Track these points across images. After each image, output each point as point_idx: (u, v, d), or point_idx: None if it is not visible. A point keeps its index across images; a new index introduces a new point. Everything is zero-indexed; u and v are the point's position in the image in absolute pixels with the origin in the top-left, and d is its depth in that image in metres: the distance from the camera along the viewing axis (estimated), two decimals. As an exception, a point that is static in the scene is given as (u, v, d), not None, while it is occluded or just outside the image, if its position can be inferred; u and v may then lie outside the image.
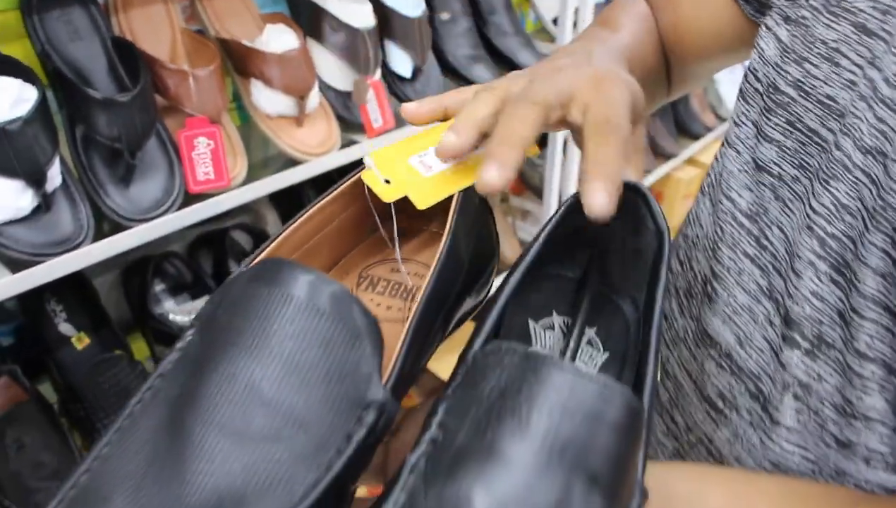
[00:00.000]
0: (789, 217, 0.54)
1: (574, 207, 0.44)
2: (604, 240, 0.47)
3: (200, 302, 1.20)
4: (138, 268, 1.24)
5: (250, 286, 0.37)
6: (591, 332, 0.48)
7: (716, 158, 0.63)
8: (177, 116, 1.03)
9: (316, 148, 1.13)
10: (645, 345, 0.39)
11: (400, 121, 1.27)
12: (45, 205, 0.89)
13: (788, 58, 0.54)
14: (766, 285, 0.55)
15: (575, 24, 1.59)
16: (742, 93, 0.60)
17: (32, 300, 1.15)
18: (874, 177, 0.47)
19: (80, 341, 1.15)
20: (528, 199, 1.95)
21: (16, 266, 0.89)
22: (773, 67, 0.55)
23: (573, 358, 0.47)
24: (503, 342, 0.34)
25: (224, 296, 0.38)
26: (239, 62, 1.12)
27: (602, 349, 0.48)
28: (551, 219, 0.44)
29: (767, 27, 0.57)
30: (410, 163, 0.43)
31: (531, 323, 0.48)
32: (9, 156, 0.84)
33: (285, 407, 0.34)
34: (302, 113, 1.13)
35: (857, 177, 0.48)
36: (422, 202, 0.41)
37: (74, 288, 1.17)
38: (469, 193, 0.45)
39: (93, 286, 1.19)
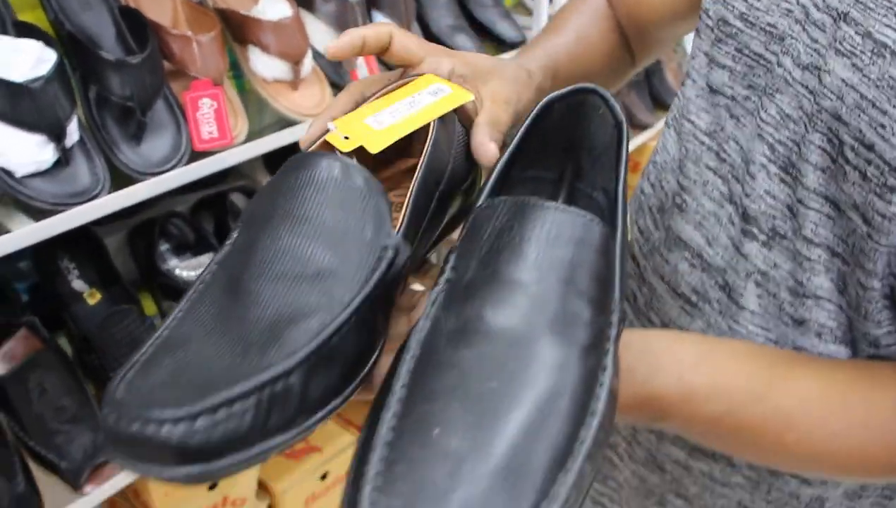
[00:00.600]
0: (742, 130, 0.61)
1: (542, 114, 0.52)
2: (574, 141, 0.55)
3: (204, 258, 1.28)
4: (144, 229, 1.31)
5: (277, 179, 0.45)
6: None
7: (677, 95, 0.71)
8: (182, 80, 1.11)
9: (310, 109, 1.21)
10: (615, 194, 0.48)
11: (388, 86, 1.35)
12: (64, 159, 0.96)
13: None
14: (727, 191, 0.63)
15: (552, 0, 1.68)
16: (697, 30, 0.68)
17: (46, 258, 1.21)
18: (811, 87, 0.54)
19: (93, 296, 1.22)
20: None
21: (38, 215, 0.96)
22: (721, 4, 0.63)
23: None
24: (497, 197, 0.42)
25: (258, 197, 0.46)
26: (237, 30, 1.19)
27: None
28: (524, 122, 0.52)
29: None
30: (366, 122, 0.52)
31: None
32: (32, 112, 0.91)
33: (320, 255, 0.42)
34: (297, 77, 1.20)
35: (796, 90, 0.56)
36: (374, 147, 0.49)
37: (86, 246, 1.24)
38: (446, 117, 0.53)
39: (103, 244, 1.26)
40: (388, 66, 1.37)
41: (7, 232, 0.95)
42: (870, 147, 0.51)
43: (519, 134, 0.52)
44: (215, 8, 1.21)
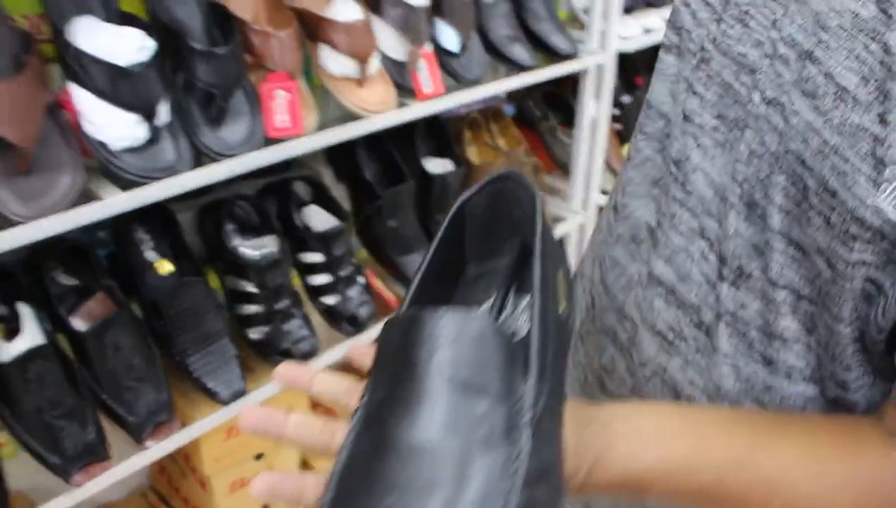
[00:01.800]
0: (712, 163, 0.59)
1: (460, 216, 0.52)
2: (508, 226, 0.53)
3: (267, 239, 1.37)
4: (213, 209, 1.41)
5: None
6: (522, 298, 0.53)
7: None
8: (259, 71, 1.20)
9: (375, 106, 1.30)
10: (532, 273, 0.46)
11: (449, 89, 1.44)
12: (154, 137, 1.06)
13: (712, 17, 0.60)
14: (697, 226, 0.61)
15: (604, 15, 1.75)
16: (680, 52, 0.64)
17: (123, 230, 1.32)
18: (778, 127, 0.53)
19: (163, 267, 1.31)
20: (557, 177, 2.10)
21: (126, 186, 1.06)
22: (700, 26, 0.61)
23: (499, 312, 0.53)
24: (397, 313, 0.44)
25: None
26: (311, 28, 1.28)
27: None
28: (440, 229, 0.52)
29: None
30: None
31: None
32: (130, 94, 1.01)
33: None
34: (363, 75, 1.29)
35: (762, 126, 0.54)
36: None
37: (160, 220, 1.34)
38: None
39: (176, 220, 1.36)
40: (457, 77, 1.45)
41: (98, 199, 1.05)
42: (832, 193, 0.50)
43: (435, 242, 0.51)
44: (292, 7, 1.31)
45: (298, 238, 1.43)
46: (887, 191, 0.47)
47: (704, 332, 0.61)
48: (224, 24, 1.17)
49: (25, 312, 1.16)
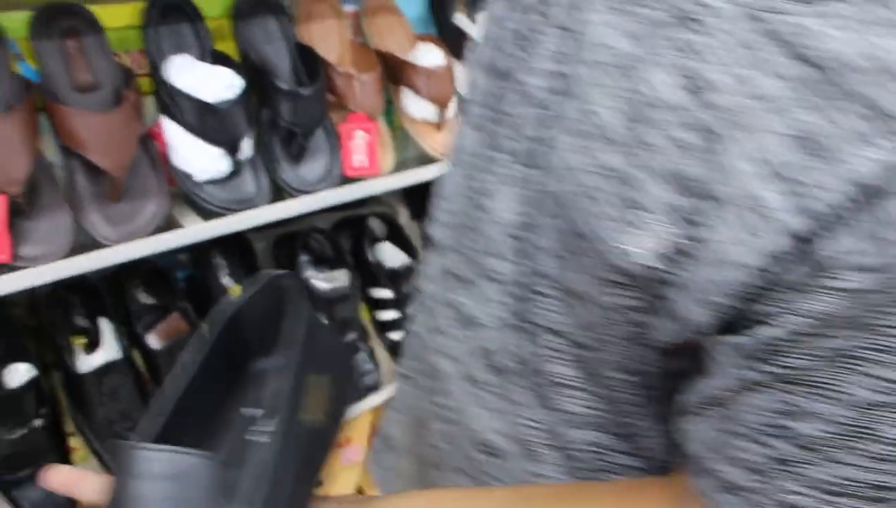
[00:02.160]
0: (497, 202, 0.56)
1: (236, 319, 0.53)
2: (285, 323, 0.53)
3: (339, 273, 1.41)
4: (288, 240, 1.45)
5: None
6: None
7: None
8: (341, 111, 1.24)
9: (451, 150, 1.33)
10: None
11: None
12: (236, 170, 1.11)
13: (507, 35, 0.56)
14: (485, 267, 0.59)
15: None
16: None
17: (202, 255, 1.37)
18: (541, 164, 0.50)
19: (236, 292, 1.36)
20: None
21: (207, 215, 1.11)
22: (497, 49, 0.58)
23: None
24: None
25: None
26: (394, 72, 1.32)
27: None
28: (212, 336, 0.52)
29: None
30: None
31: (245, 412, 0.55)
32: (217, 129, 1.07)
33: None
34: (442, 120, 1.32)
35: (536, 163, 0.51)
36: None
37: (237, 248, 1.40)
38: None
39: (253, 248, 1.41)
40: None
41: (180, 227, 1.10)
42: (587, 237, 0.47)
43: (205, 350, 0.51)
44: (377, 50, 1.35)
45: (370, 273, 1.47)
46: (637, 236, 0.44)
47: (503, 379, 0.59)
48: (310, 65, 1.22)
49: (106, 327, 1.22)
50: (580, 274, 0.49)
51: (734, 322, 0.43)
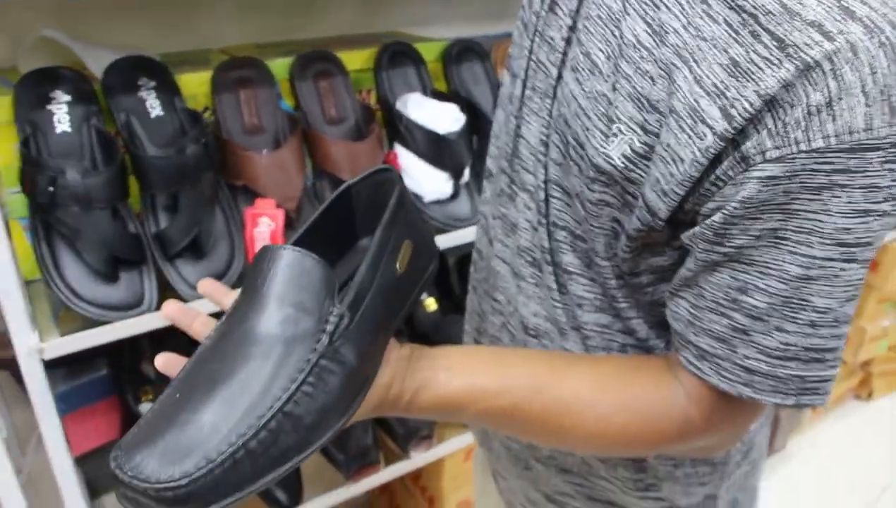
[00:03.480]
0: (528, 127, 0.71)
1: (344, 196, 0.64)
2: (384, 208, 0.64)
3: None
4: (466, 259, 1.62)
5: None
6: None
7: None
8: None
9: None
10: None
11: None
12: (455, 192, 1.28)
13: (541, 4, 0.71)
14: (520, 180, 0.74)
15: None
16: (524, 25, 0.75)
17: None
18: (555, 95, 0.66)
19: (430, 305, 1.53)
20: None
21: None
22: (532, 12, 0.73)
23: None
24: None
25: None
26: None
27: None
28: (326, 201, 0.64)
29: None
30: None
31: None
32: (446, 156, 1.24)
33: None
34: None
35: (544, 103, 0.68)
36: None
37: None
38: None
39: (447, 264, 1.57)
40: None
41: (406, 242, 1.26)
42: (581, 146, 0.62)
43: (319, 210, 0.63)
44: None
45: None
46: (614, 143, 0.59)
47: (538, 270, 0.73)
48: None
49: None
50: (575, 176, 0.64)
51: (692, 215, 0.58)
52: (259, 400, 0.51)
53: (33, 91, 1.01)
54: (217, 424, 0.49)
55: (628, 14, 0.59)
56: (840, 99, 0.49)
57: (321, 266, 0.55)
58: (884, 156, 0.50)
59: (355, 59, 1.32)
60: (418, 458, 1.45)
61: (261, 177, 1.11)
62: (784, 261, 0.54)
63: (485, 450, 0.93)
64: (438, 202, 1.27)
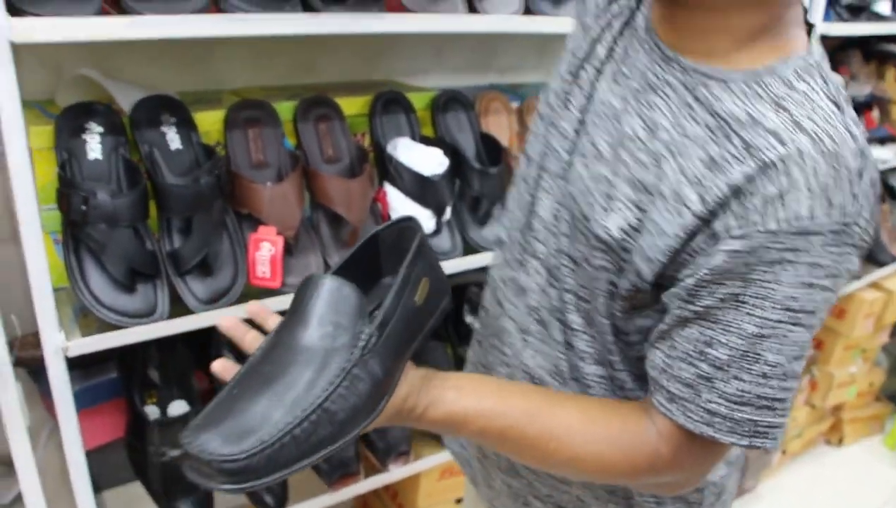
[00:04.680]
0: (542, 203, 0.82)
1: (374, 241, 0.76)
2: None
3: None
4: (455, 291, 1.75)
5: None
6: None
7: None
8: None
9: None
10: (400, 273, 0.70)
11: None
12: (437, 229, 1.42)
13: (560, 83, 0.84)
14: (531, 249, 0.84)
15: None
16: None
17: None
18: (565, 176, 0.78)
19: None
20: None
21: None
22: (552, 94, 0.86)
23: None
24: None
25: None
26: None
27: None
28: (356, 246, 0.76)
29: None
30: None
31: None
32: (429, 196, 1.38)
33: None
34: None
35: (556, 183, 0.80)
36: None
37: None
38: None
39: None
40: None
41: (392, 270, 1.40)
42: (586, 218, 0.73)
43: (351, 251, 0.75)
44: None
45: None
46: (612, 217, 0.70)
47: (544, 327, 0.83)
48: (491, 149, 1.53)
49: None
50: (582, 245, 0.74)
51: (672, 279, 0.69)
52: (303, 397, 0.62)
53: (72, 122, 1.15)
54: (268, 415, 0.61)
55: (628, 112, 0.72)
56: (789, 192, 0.62)
57: (356, 292, 0.66)
58: (824, 240, 0.62)
59: (352, 105, 1.46)
60: (396, 472, 1.57)
61: (264, 206, 1.24)
62: (743, 321, 0.65)
63: (485, 487, 1.02)
64: (422, 236, 1.40)
